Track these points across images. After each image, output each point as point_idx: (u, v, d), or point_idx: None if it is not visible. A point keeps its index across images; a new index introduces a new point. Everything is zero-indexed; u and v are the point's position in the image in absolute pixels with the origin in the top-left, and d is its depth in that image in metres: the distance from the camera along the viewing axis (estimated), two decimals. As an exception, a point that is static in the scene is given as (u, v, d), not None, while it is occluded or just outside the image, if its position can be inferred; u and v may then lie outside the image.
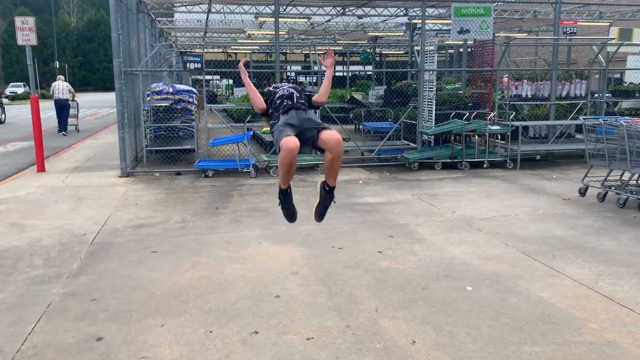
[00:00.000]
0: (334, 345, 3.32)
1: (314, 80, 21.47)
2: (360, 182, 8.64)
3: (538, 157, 10.55)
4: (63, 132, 16.72)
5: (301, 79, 32.50)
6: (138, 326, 3.59)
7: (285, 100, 3.82)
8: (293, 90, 3.89)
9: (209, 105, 10.51)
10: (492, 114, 10.27)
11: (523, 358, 3.16)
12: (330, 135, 3.59)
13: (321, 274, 4.55)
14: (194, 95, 11.28)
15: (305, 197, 7.47)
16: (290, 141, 3.53)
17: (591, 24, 15.39)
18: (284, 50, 30.06)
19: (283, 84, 4.15)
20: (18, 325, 3.63)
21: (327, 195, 3.86)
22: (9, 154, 12.48)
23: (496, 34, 11.06)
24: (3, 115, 21.92)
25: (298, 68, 35.12)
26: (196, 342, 3.37)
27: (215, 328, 3.55)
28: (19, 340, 3.42)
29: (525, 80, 11.01)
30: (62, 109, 16.60)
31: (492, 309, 3.84)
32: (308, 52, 24.61)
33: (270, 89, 4.05)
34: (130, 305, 3.93)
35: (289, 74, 32.92)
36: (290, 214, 4.03)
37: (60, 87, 16.40)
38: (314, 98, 3.98)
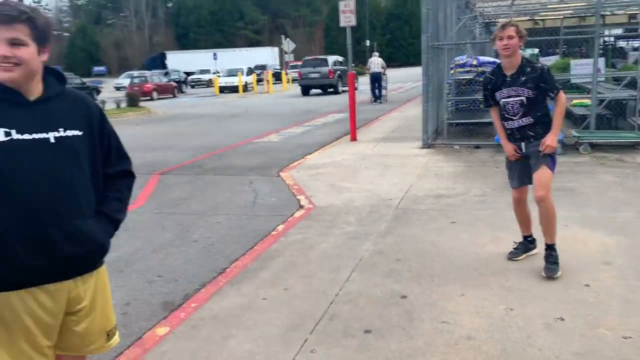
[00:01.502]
0: (658, 350, 2.89)
1: (637, 46, 18.45)
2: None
3: None
4: (379, 101, 19.71)
5: (621, 44, 28.31)
6: (439, 291, 3.74)
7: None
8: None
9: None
10: None
11: None
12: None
13: (642, 267, 3.98)
14: (498, 67, 10.91)
15: (622, 178, 6.60)
16: (515, 194, 4.27)
17: None
18: (603, 12, 26.53)
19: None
20: (336, 273, 4.17)
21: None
22: (329, 124, 14.27)
23: None
24: (341, 87, 25.45)
25: (618, 31, 30.64)
26: (497, 316, 3.34)
27: (516, 307, 3.45)
28: (337, 286, 3.93)
29: None
30: (375, 80, 19.82)
31: None
32: (637, 11, 21.01)
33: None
34: (431, 270, 4.11)
35: (606, 39, 29.03)
36: None
37: (375, 62, 19.64)
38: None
